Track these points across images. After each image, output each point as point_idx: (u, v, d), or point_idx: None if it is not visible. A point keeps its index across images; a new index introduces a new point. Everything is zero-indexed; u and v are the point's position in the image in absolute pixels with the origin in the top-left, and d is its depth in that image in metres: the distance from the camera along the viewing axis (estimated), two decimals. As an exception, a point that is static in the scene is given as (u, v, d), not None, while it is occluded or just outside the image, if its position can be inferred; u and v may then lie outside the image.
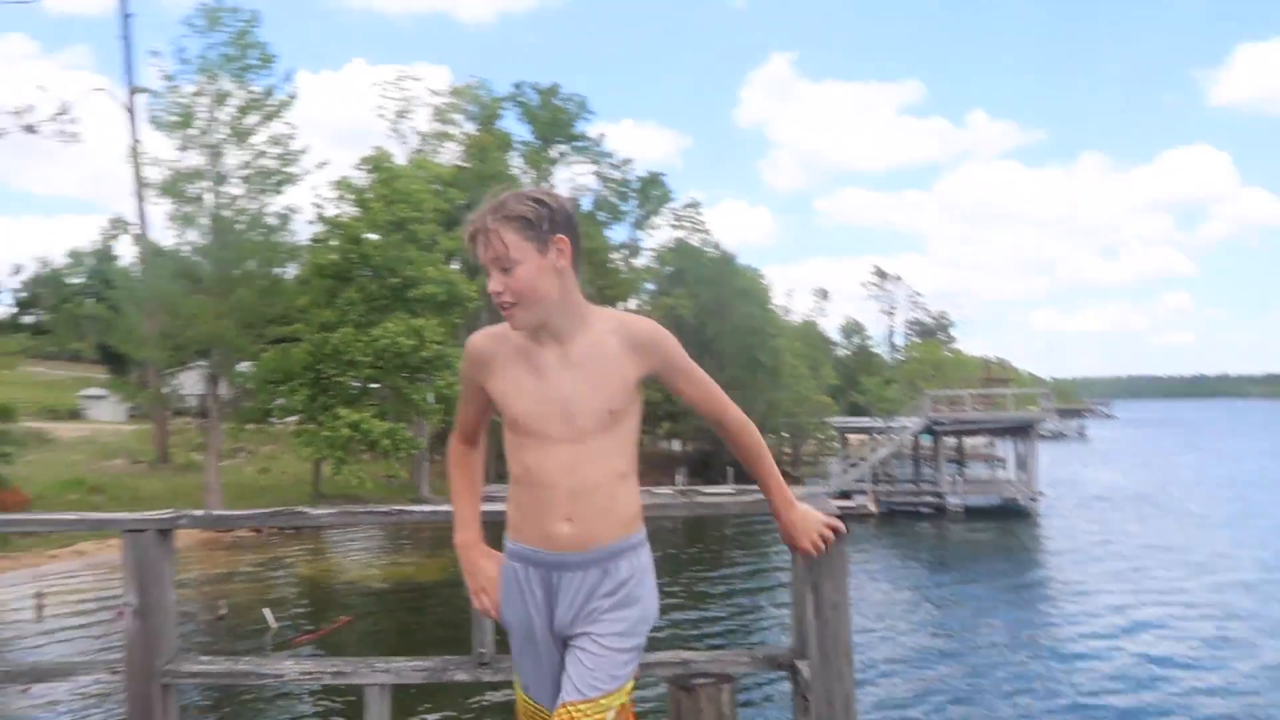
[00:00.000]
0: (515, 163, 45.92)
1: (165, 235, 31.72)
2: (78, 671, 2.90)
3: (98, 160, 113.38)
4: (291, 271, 34.18)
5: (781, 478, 2.17)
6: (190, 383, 38.07)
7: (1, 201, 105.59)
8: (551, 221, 1.89)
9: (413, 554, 28.25)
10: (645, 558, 2.05)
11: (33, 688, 13.33)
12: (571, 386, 1.94)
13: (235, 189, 29.86)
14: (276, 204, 30.77)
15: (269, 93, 29.85)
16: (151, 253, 32.35)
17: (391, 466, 33.79)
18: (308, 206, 33.46)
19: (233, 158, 29.54)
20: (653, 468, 45.47)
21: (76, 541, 25.84)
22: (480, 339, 2.04)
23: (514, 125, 48.45)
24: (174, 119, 29.00)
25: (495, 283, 1.90)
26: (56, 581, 22.76)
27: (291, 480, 36.37)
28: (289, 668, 2.80)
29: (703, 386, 2.06)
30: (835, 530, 2.28)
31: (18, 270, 71.33)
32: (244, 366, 33.63)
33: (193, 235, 30.18)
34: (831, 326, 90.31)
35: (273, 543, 29.28)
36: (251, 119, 29.43)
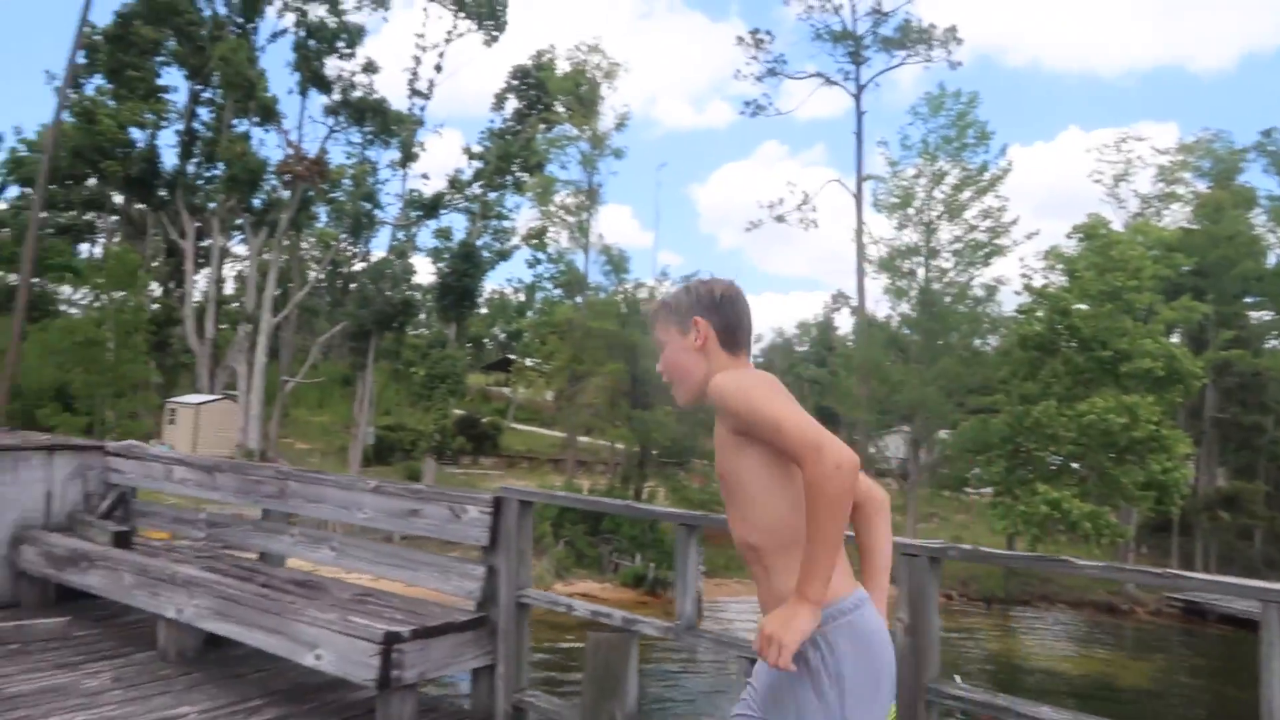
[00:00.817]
0: (1259, 220, 39.88)
1: (879, 308, 34.57)
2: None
3: (825, 243, 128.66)
4: (992, 342, 34.40)
5: (824, 572, 1.75)
6: (893, 445, 40.55)
7: (751, 280, 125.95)
8: (691, 306, 2.11)
9: (1112, 652, 25.88)
10: (814, 652, 1.83)
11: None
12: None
13: (946, 263, 31.27)
14: (984, 276, 31.43)
15: (983, 168, 30.77)
16: (866, 324, 35.50)
17: (1092, 551, 31.48)
18: (1014, 278, 33.56)
19: (945, 233, 31.05)
20: None
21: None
22: None
23: (1259, 179, 42.24)
24: (894, 201, 31.60)
25: (659, 363, 2.18)
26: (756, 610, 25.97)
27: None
28: (1046, 713, 2.81)
29: (774, 433, 1.82)
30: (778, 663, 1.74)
31: (758, 339, 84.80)
32: (943, 434, 34.66)
33: (904, 307, 32.37)
34: None
35: (961, 610, 29.39)
36: (965, 195, 30.62)
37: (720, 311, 2.11)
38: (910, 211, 31.40)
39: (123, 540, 5.23)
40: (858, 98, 40.41)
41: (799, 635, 1.74)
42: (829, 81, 40.86)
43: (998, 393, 32.44)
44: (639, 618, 3.66)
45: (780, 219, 40.12)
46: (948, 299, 31.37)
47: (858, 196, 40.00)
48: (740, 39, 41.16)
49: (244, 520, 5.21)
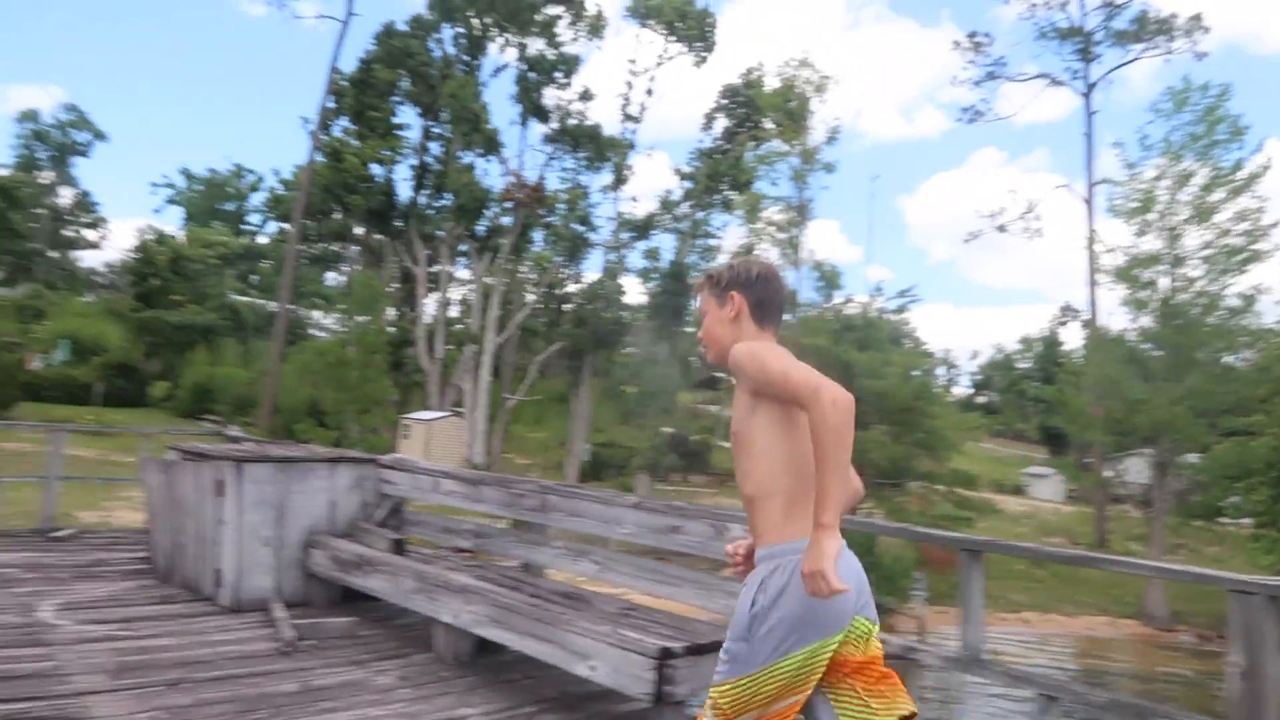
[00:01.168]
0: None
1: (1114, 321, 32.05)
2: (1177, 718, 3.03)
3: (1047, 253, 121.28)
4: (1248, 357, 31.06)
5: (837, 498, 1.94)
6: (1134, 470, 37.44)
7: (965, 294, 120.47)
8: (729, 281, 2.36)
9: None
10: (764, 571, 2.11)
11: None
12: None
13: (1193, 271, 28.61)
14: (1240, 284, 28.48)
15: (1237, 166, 27.97)
16: (1100, 338, 33.00)
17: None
18: (1277, 286, 30.15)
19: (1193, 238, 28.41)
20: None
21: (1022, 610, 27.46)
22: None
23: None
24: (1133, 205, 29.25)
25: (699, 330, 2.43)
26: (1003, 640, 24.51)
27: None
28: None
29: (783, 385, 2.06)
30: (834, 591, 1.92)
31: (974, 355, 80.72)
32: (1192, 457, 31.61)
33: (1144, 320, 29.86)
34: None
35: (1218, 651, 26.60)
36: (1216, 196, 27.93)
37: (755, 289, 2.35)
38: (1151, 216, 28.95)
39: (399, 547, 5.61)
40: (1087, 97, 37.96)
41: (828, 558, 1.91)
42: (1055, 82, 38.64)
43: (1256, 413, 29.22)
44: (918, 644, 3.52)
45: (1002, 229, 38.28)
46: (1196, 310, 28.64)
47: (1089, 202, 37.50)
48: (957, 43, 39.62)
49: (508, 531, 5.46)
